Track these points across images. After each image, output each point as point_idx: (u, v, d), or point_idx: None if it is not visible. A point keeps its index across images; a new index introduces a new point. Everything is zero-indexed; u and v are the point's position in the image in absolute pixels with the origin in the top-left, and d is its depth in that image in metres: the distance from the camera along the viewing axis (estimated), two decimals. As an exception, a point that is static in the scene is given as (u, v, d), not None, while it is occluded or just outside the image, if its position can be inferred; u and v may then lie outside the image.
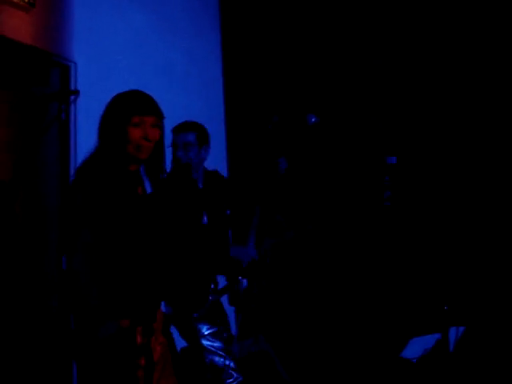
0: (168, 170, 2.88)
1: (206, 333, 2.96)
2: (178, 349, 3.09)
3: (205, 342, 2.94)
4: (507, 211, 3.75)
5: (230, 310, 3.36)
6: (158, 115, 2.24)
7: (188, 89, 4.71)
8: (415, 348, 3.07)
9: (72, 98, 3.43)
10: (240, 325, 3.15)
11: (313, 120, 3.25)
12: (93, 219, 2.09)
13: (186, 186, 3.06)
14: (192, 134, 3.20)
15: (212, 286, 3.04)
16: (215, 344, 2.96)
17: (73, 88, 3.63)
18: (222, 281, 3.21)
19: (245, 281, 3.10)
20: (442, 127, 4.13)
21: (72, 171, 3.63)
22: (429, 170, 4.11)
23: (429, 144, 4.14)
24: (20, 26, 3.39)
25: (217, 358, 2.93)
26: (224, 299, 3.25)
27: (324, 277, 4.24)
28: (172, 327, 2.93)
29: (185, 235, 2.87)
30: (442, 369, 2.98)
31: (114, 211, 2.12)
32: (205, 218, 3.11)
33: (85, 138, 3.62)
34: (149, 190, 2.34)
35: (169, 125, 3.07)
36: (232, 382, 2.95)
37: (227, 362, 2.93)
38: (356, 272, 4.09)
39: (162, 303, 2.40)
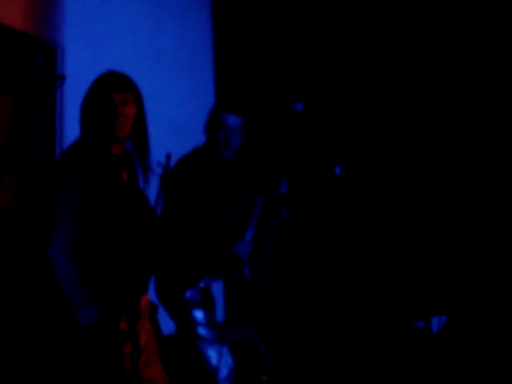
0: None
1: (201, 321, 2.92)
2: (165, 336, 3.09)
3: (201, 331, 2.90)
4: (489, 198, 3.78)
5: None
6: (129, 91, 2.22)
7: (179, 74, 4.68)
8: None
9: (58, 83, 3.38)
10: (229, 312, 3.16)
11: (299, 108, 3.24)
12: (73, 204, 2.08)
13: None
14: (241, 118, 3.05)
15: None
16: (210, 332, 2.92)
17: (59, 73, 3.59)
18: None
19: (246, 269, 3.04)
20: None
21: (57, 156, 3.61)
22: (407, 154, 4.12)
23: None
24: (10, 11, 3.35)
25: (211, 348, 2.91)
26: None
27: (307, 267, 4.25)
28: (158, 314, 2.92)
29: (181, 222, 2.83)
30: (426, 358, 3.02)
31: (94, 195, 2.12)
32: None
33: (72, 124, 3.60)
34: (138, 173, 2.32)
35: (160, 110, 3.05)
36: (225, 369, 2.94)
37: (221, 350, 2.92)
38: (338, 262, 4.11)
39: (151, 289, 2.39)
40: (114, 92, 2.17)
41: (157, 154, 2.41)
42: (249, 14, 4.89)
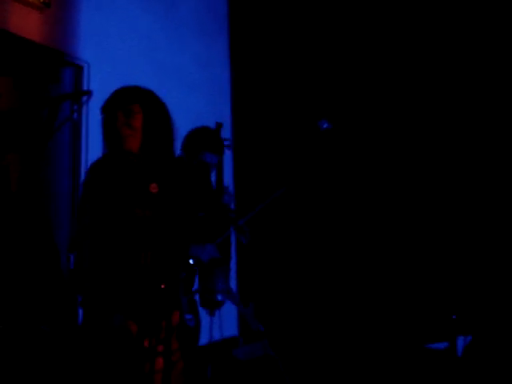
0: None
1: None
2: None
3: None
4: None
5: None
6: (133, 102, 2.23)
7: (196, 92, 4.72)
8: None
9: (84, 98, 3.43)
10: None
11: (325, 126, 3.23)
12: (87, 223, 2.13)
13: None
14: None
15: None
16: None
17: (85, 88, 3.64)
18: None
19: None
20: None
21: (83, 170, 3.65)
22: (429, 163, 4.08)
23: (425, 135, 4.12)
24: (34, 26, 3.41)
25: None
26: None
27: (328, 280, 4.22)
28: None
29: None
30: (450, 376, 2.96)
31: (105, 211, 2.14)
32: None
33: (97, 139, 3.65)
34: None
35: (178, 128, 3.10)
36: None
37: None
38: (364, 278, 4.07)
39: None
40: (115, 106, 2.23)
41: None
42: (265, 33, 4.95)
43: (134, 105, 2.22)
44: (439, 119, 4.10)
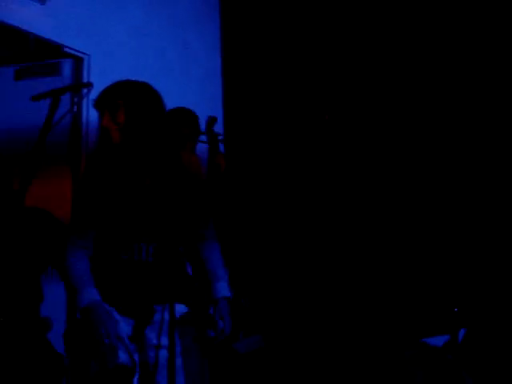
0: None
1: None
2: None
3: None
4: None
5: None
6: (113, 98, 2.27)
7: (187, 84, 4.68)
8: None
9: (85, 90, 3.42)
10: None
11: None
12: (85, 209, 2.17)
13: None
14: None
15: None
16: None
17: (86, 80, 3.63)
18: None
19: None
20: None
21: (83, 163, 3.64)
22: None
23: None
24: (35, 17, 3.40)
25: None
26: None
27: (327, 277, 4.23)
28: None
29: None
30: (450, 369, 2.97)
31: (102, 202, 2.17)
32: None
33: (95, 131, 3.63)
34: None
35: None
36: None
37: None
38: (364, 273, 4.07)
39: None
40: (100, 104, 2.32)
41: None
42: (256, 24, 4.87)
43: (118, 101, 2.27)
44: (440, 116, 4.09)
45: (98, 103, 2.33)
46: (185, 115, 3.20)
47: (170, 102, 2.85)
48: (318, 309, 4.09)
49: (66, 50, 3.61)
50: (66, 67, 3.64)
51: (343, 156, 4.37)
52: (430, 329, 3.32)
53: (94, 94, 3.62)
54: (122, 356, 2.07)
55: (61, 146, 3.65)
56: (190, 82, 4.67)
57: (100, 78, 3.67)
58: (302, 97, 4.55)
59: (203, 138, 3.40)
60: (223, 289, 2.29)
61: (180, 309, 2.16)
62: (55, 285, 3.43)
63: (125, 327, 2.11)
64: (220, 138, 3.35)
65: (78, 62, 3.68)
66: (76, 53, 3.66)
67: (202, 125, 3.39)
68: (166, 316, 2.06)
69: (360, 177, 4.29)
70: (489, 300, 3.56)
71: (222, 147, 3.53)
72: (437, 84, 4.13)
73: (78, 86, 3.28)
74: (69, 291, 2.30)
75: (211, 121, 3.21)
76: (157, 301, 2.12)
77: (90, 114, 3.69)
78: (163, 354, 2.09)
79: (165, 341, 2.06)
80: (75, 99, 3.45)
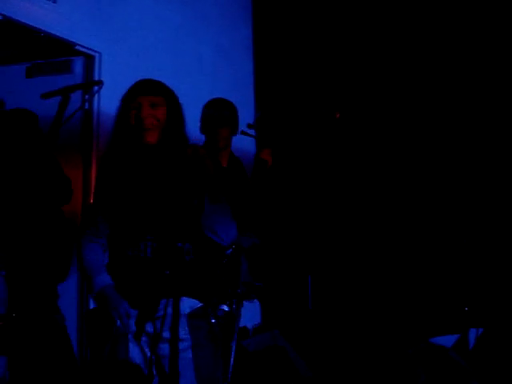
0: None
1: None
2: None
3: None
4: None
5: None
6: (158, 94, 2.19)
7: (218, 83, 4.69)
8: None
9: (96, 88, 3.43)
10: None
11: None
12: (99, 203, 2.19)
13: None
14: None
15: None
16: None
17: (97, 78, 3.64)
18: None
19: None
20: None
21: (94, 160, 3.66)
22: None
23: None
24: (46, 16, 3.41)
25: None
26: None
27: (341, 274, 4.21)
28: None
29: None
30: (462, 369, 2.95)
31: (116, 196, 2.16)
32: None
33: (108, 129, 3.65)
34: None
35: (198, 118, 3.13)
36: None
37: None
38: (376, 271, 4.05)
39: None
40: (140, 95, 2.17)
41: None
42: (288, 24, 4.90)
43: (159, 97, 2.18)
44: (448, 115, 4.08)
45: (133, 96, 2.20)
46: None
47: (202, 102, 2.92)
48: (326, 306, 4.08)
49: (78, 47, 3.63)
50: (78, 65, 3.66)
51: (354, 155, 4.37)
52: (439, 327, 3.30)
53: (104, 91, 3.67)
54: (133, 350, 2.08)
55: (73, 142, 3.68)
56: (222, 83, 4.70)
57: (111, 75, 3.69)
58: (326, 96, 4.58)
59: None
60: None
61: (191, 303, 2.15)
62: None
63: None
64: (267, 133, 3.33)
65: (89, 59, 3.69)
66: (87, 51, 3.67)
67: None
68: (171, 310, 2.03)
69: (368, 176, 4.28)
70: (502, 299, 3.53)
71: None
72: (445, 85, 4.11)
73: (88, 84, 3.30)
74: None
75: (261, 116, 3.18)
76: (163, 295, 2.10)
77: (101, 111, 3.71)
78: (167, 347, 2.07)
79: (168, 334, 2.04)
80: (86, 96, 3.48)
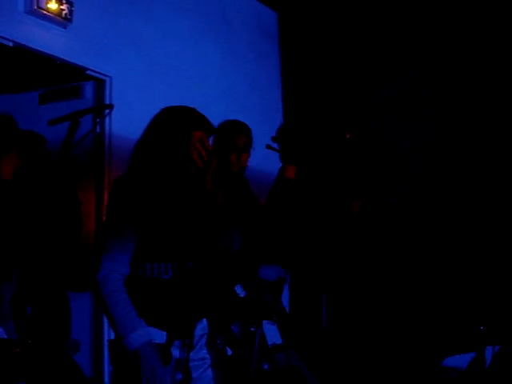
0: None
1: None
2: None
3: None
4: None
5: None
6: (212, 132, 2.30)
7: (250, 113, 4.81)
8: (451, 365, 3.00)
9: (106, 111, 3.48)
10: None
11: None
12: (125, 228, 2.08)
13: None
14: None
15: None
16: None
17: (108, 101, 3.68)
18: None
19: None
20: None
21: (106, 183, 3.68)
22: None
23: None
24: (56, 41, 3.46)
25: None
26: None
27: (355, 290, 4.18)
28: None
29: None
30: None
31: (151, 217, 2.10)
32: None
33: (119, 150, 3.68)
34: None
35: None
36: None
37: None
38: (391, 291, 4.01)
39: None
40: (208, 131, 2.26)
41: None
42: (315, 60, 5.09)
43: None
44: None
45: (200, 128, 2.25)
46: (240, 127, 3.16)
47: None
48: (340, 326, 4.05)
49: (89, 72, 3.67)
50: (88, 89, 3.70)
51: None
52: (455, 347, 3.26)
53: (115, 114, 3.72)
54: None
55: (85, 165, 3.72)
56: (254, 113, 4.82)
57: (121, 99, 3.74)
58: (359, 120, 4.68)
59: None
60: None
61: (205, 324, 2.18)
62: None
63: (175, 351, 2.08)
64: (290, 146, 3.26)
65: (99, 84, 3.73)
66: (98, 75, 3.71)
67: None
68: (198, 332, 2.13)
69: (382, 194, 4.26)
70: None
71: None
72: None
73: (97, 108, 3.34)
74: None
75: (283, 128, 3.12)
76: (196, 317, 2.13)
77: (113, 134, 3.74)
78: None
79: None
80: (97, 120, 3.53)
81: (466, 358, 2.98)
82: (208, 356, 2.15)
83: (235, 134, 2.92)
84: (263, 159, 4.52)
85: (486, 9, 4.12)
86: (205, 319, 2.18)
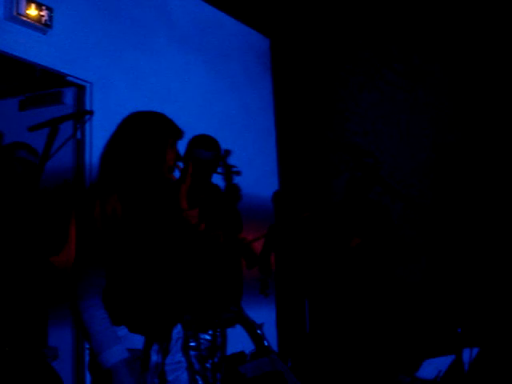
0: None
1: None
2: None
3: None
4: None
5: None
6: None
7: (243, 137, 4.95)
8: (429, 369, 3.02)
9: (87, 117, 3.48)
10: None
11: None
12: (97, 249, 2.02)
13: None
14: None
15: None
16: None
17: (88, 107, 3.68)
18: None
19: None
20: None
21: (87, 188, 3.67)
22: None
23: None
24: (36, 47, 3.46)
25: None
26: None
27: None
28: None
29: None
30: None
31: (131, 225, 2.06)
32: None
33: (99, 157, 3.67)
34: None
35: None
36: None
37: None
38: (371, 296, 4.04)
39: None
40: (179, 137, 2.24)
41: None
42: (306, 83, 5.27)
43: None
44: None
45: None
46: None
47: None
48: (323, 330, 4.06)
49: (69, 78, 3.67)
50: (69, 95, 3.70)
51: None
52: (433, 349, 3.28)
53: (96, 120, 3.72)
54: None
55: (65, 170, 3.71)
56: (248, 136, 5.03)
57: (102, 105, 3.74)
58: (352, 144, 4.79)
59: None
60: None
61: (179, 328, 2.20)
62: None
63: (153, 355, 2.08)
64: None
65: (80, 90, 3.73)
66: (78, 81, 3.71)
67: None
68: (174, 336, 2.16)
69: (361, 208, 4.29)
70: (495, 320, 3.51)
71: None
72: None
73: (77, 114, 3.34)
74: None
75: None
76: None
77: (94, 140, 3.74)
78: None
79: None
80: (77, 126, 3.53)
81: (444, 360, 3.00)
82: (183, 359, 2.18)
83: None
84: (255, 182, 4.63)
85: (470, 11, 4.19)
86: (180, 324, 2.19)
